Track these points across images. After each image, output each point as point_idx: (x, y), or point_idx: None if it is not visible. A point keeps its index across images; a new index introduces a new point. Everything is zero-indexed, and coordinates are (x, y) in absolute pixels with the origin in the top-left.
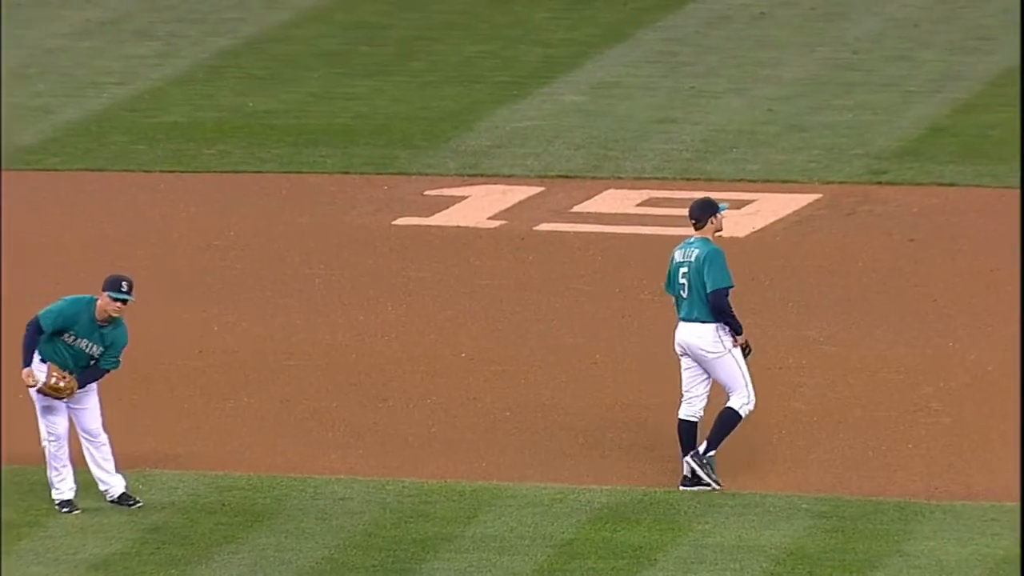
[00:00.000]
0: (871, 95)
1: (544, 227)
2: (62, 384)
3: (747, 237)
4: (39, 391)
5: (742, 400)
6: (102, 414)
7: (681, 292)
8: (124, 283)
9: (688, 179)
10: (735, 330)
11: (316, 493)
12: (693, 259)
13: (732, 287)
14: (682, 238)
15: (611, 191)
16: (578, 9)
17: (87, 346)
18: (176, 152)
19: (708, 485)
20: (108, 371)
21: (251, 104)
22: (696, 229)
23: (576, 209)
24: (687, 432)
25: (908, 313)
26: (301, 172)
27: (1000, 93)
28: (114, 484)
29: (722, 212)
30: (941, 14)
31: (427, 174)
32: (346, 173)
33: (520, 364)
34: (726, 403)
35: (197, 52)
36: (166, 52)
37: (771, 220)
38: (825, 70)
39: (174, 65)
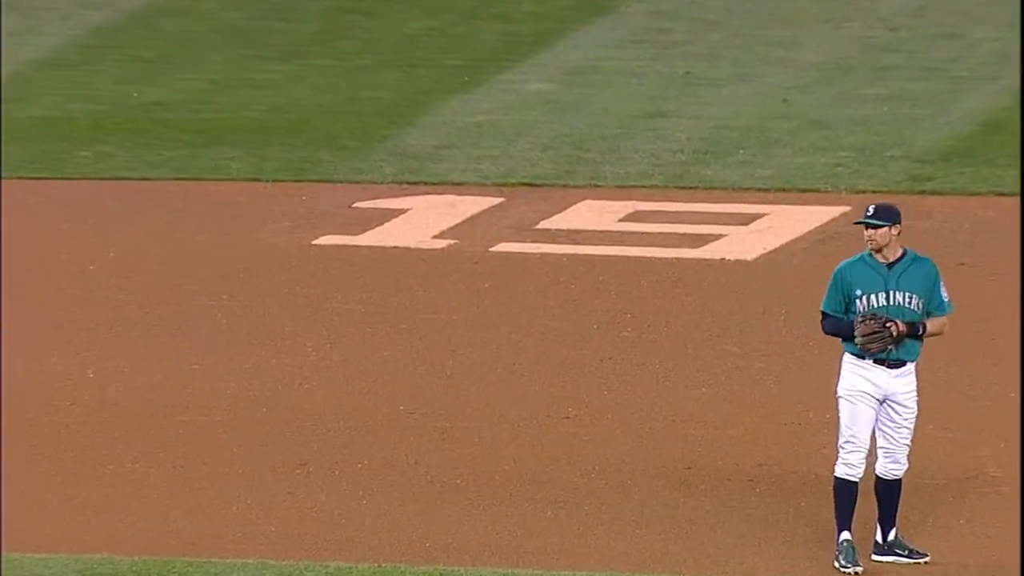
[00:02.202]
0: (911, 82)
1: (503, 247)
2: None
3: (757, 260)
4: None
5: (838, 459)
6: None
7: None
8: None
9: (682, 187)
10: (857, 335)
11: None
12: None
13: (824, 313)
14: (677, 260)
15: (587, 203)
16: None
17: None
18: (42, 154)
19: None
20: None
21: (136, 94)
22: None
23: (543, 225)
24: (877, 491)
25: (959, 355)
26: (200, 179)
27: None
28: None
29: (868, 225)
30: None
31: (357, 181)
32: (256, 180)
33: (474, 419)
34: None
35: (68, 28)
36: (28, 28)
37: (787, 239)
38: (854, 51)
39: (38, 45)
